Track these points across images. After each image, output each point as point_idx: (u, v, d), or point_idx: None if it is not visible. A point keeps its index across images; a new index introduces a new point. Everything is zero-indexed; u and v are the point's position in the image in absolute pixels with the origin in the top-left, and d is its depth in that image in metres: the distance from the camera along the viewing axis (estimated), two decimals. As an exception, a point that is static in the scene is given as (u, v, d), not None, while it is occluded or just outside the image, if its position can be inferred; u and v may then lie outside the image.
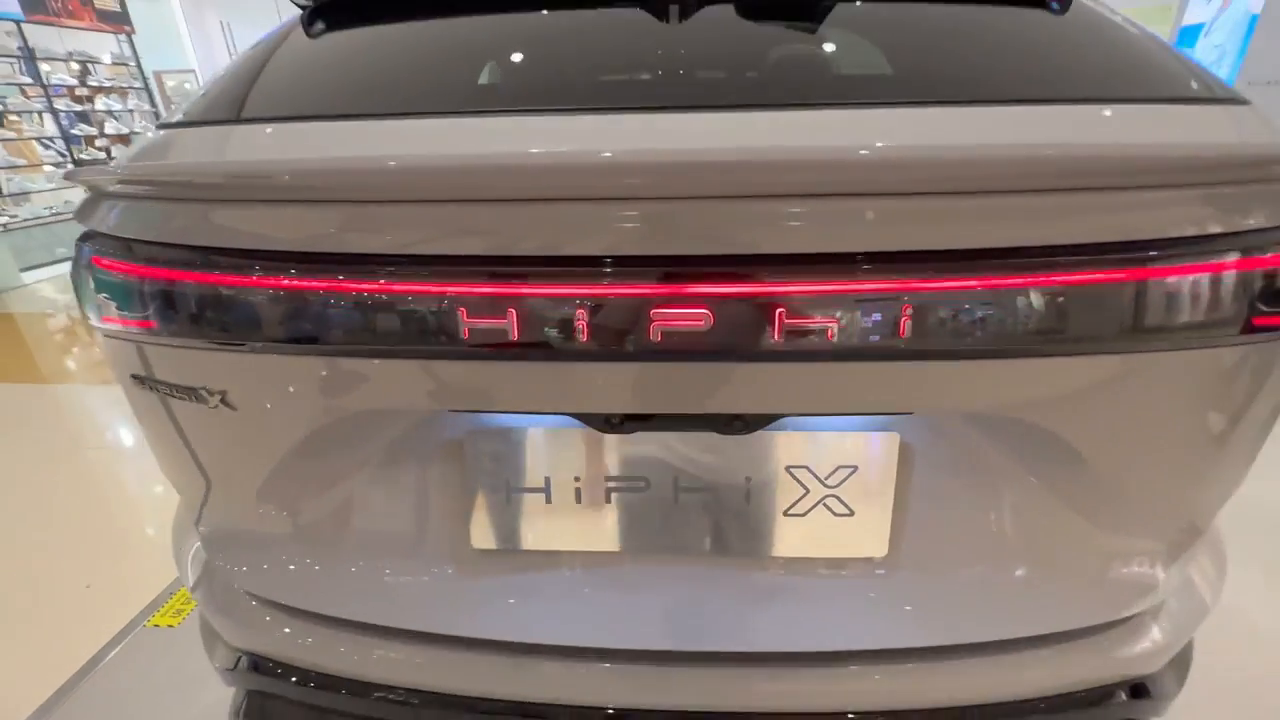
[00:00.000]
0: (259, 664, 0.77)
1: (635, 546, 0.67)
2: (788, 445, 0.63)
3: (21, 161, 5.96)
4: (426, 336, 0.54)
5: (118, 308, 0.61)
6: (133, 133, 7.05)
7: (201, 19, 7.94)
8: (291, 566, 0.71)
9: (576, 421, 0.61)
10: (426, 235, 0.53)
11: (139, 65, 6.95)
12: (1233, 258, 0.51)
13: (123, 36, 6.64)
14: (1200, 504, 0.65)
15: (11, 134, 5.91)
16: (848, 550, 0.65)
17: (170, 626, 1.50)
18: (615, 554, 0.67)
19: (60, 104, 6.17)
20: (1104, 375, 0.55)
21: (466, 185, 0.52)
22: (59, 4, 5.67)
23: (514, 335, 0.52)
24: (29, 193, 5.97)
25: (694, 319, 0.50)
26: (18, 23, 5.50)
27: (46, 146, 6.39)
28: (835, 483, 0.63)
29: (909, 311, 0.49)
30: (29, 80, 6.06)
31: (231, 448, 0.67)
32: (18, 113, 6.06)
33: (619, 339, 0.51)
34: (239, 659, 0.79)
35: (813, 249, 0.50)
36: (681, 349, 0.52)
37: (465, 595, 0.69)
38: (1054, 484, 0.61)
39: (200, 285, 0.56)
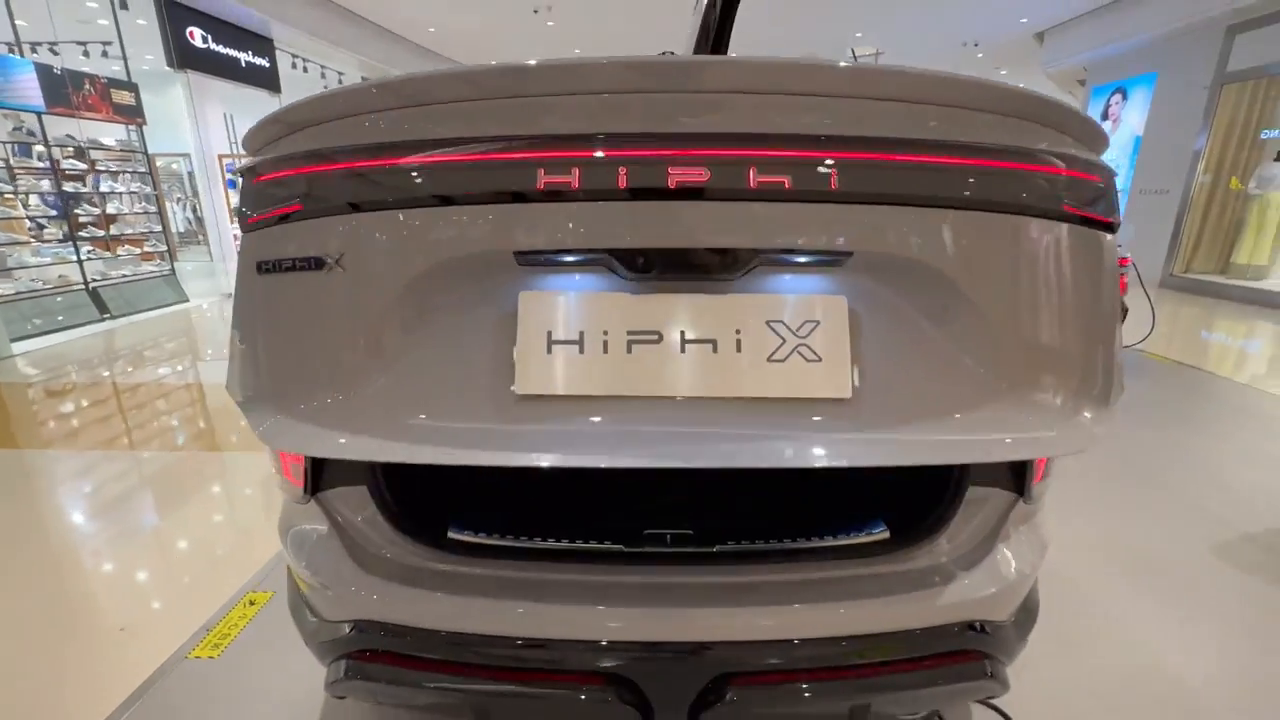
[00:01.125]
0: (363, 628, 1.02)
1: (650, 388, 0.84)
2: (766, 303, 0.85)
3: (21, 238, 6.16)
4: (513, 193, 0.78)
5: (270, 204, 0.85)
6: (133, 213, 7.36)
7: (205, 110, 8.50)
8: (365, 415, 0.86)
9: (607, 284, 0.85)
10: (525, 119, 0.80)
11: (145, 153, 7.36)
12: (1019, 161, 0.82)
13: (133, 126, 7.09)
14: (1066, 352, 0.87)
15: (4, 211, 6.15)
16: (822, 392, 0.84)
17: (211, 658, 1.67)
18: (633, 398, 0.84)
19: (68, 186, 6.46)
20: (972, 229, 0.82)
21: (553, 84, 0.80)
22: (79, 98, 6.11)
23: (576, 185, 0.77)
24: (26, 266, 6.14)
25: (697, 174, 0.78)
26: (38, 114, 5.89)
27: (42, 226, 6.64)
28: (805, 334, 0.84)
29: (836, 171, 0.78)
30: (42, 166, 6.39)
31: (337, 306, 0.85)
32: (22, 192, 6.34)
33: (648, 187, 0.77)
34: (344, 626, 1.04)
35: (772, 130, 0.79)
36: (688, 193, 0.79)
37: (508, 433, 0.85)
38: (961, 327, 0.85)
39: (337, 171, 0.82)
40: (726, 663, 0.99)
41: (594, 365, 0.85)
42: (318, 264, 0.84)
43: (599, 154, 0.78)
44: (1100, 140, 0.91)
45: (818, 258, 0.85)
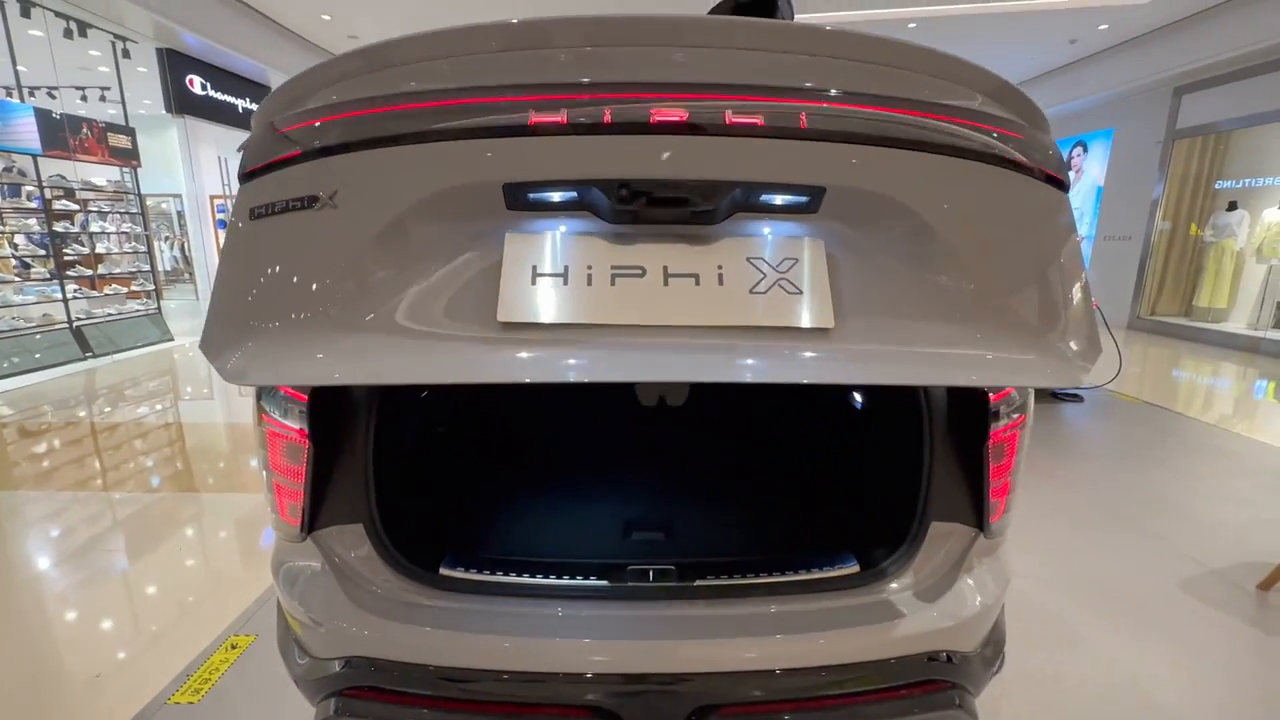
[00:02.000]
0: (354, 664, 1.05)
1: (633, 318, 0.85)
2: (746, 243, 0.87)
3: (4, 276, 6.16)
4: (505, 128, 0.80)
5: (269, 154, 0.87)
6: (121, 251, 7.38)
7: (199, 153, 8.65)
8: (354, 342, 0.86)
9: (592, 227, 0.87)
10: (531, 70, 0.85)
11: (138, 194, 7.46)
12: (957, 116, 0.87)
13: (127, 169, 7.20)
14: (1038, 289, 0.90)
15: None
16: (805, 323, 0.85)
17: (191, 703, 1.65)
18: (617, 325, 0.85)
19: (57, 225, 6.51)
20: (931, 170, 0.86)
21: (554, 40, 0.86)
22: (76, 142, 6.22)
23: (564, 120, 0.80)
24: (10, 305, 6.11)
25: (677, 113, 0.82)
26: (34, 157, 5.98)
27: (28, 265, 6.64)
28: (785, 270, 0.86)
29: (803, 113, 0.83)
30: (32, 205, 6.44)
31: (326, 240, 0.86)
32: (2, 231, 6.37)
33: (633, 124, 0.82)
34: (335, 664, 1.06)
35: (743, 81, 0.85)
36: (669, 130, 0.82)
37: (490, 351, 0.85)
38: (931, 259, 0.88)
39: (337, 120, 0.86)
40: (708, 694, 1.03)
41: (577, 296, 0.85)
42: (310, 201, 0.85)
43: (587, 97, 0.82)
44: (1041, 119, 0.96)
45: (793, 198, 0.87)
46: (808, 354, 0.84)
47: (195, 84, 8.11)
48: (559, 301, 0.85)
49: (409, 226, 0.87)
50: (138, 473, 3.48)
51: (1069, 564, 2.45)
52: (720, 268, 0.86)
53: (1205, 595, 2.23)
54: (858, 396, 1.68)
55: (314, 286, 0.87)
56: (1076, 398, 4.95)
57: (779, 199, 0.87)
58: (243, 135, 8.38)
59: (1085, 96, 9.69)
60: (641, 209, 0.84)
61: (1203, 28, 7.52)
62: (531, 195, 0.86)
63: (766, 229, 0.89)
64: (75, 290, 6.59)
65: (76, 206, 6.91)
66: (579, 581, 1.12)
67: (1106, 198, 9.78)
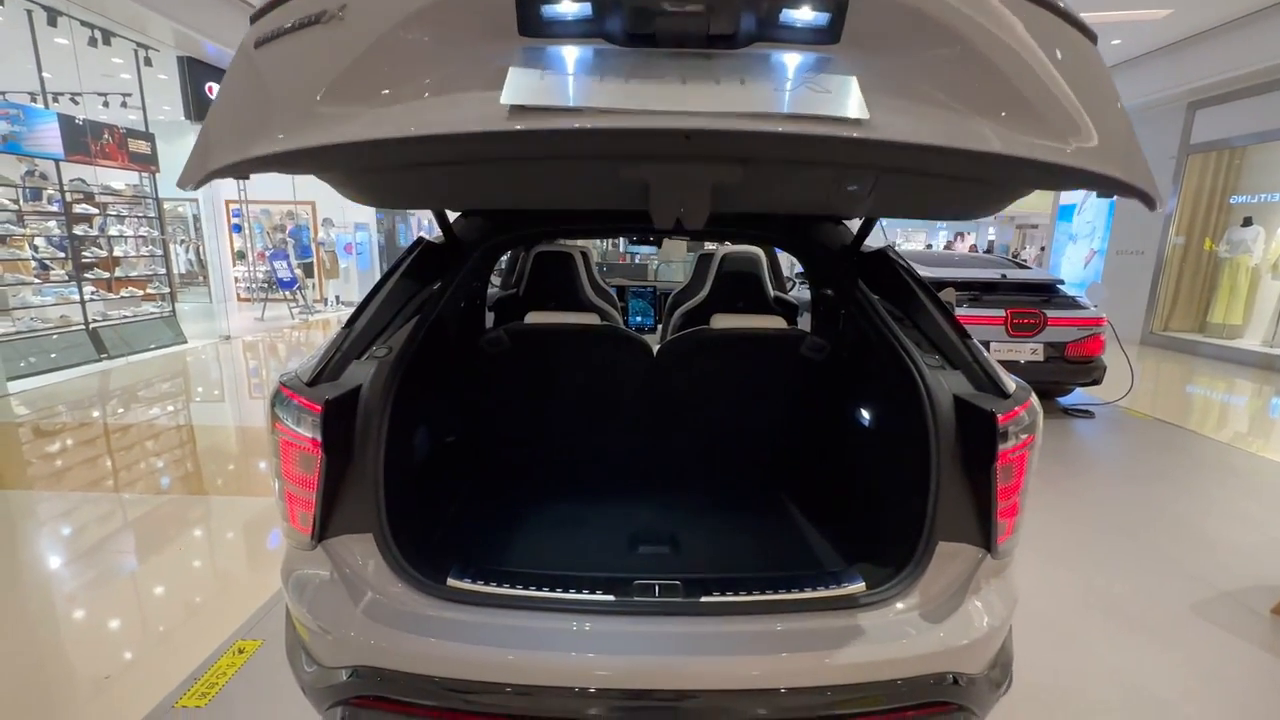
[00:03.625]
0: (362, 674, 1.06)
1: (649, 104, 0.75)
2: (768, 64, 0.80)
3: (19, 277, 6.27)
4: None
5: None
6: (138, 255, 7.50)
7: (217, 159, 8.82)
8: (339, 111, 0.81)
9: (605, 49, 0.79)
10: None
11: (156, 199, 7.58)
12: None
13: (145, 174, 7.33)
14: (1059, 89, 0.83)
15: (13, 252, 6.28)
16: (840, 112, 0.75)
17: (198, 707, 1.66)
18: (633, 110, 0.75)
19: (76, 229, 6.63)
20: None
21: None
22: (97, 147, 6.34)
23: None
24: (29, 306, 6.22)
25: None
26: (56, 161, 6.10)
27: (47, 267, 6.75)
28: (813, 77, 0.79)
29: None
30: (52, 209, 6.57)
31: (333, 47, 0.82)
32: (23, 234, 6.49)
33: None
34: (343, 673, 1.07)
35: None
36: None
37: (497, 123, 0.76)
38: (961, 69, 0.80)
39: None
40: (712, 711, 1.03)
41: (590, 83, 0.79)
42: (318, 18, 0.82)
43: None
44: None
45: (815, 16, 0.79)
46: (843, 129, 0.75)
47: (214, 91, 8.26)
48: (570, 88, 0.78)
49: (414, 36, 0.81)
50: (149, 474, 3.53)
51: (1079, 584, 2.42)
52: (743, 81, 0.78)
53: (1218, 619, 2.20)
54: (865, 414, 1.68)
55: (309, 90, 0.83)
56: (1088, 413, 4.91)
57: (799, 19, 0.80)
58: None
59: (1098, 110, 9.63)
60: (658, 28, 0.78)
61: (1217, 43, 7.49)
62: (545, 11, 0.79)
63: (790, 55, 0.81)
64: (92, 292, 6.69)
65: (96, 210, 7.04)
66: (585, 596, 1.13)
67: (1119, 212, 9.72)
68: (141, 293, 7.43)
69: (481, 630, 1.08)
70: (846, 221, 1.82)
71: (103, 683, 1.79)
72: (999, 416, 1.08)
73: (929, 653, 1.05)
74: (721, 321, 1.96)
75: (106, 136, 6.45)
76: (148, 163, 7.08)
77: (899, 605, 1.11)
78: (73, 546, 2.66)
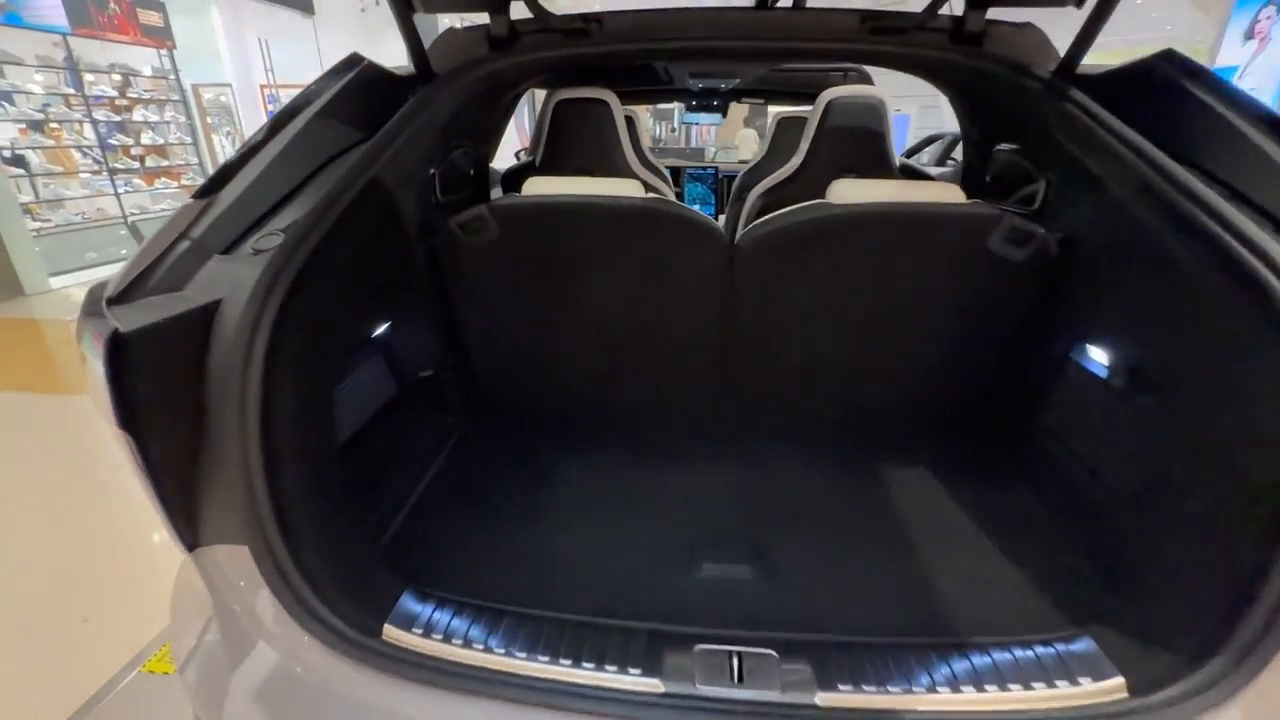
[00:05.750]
0: None
1: None
2: None
3: (59, 169, 6.09)
4: None
5: None
6: (168, 143, 7.20)
7: (241, 36, 8.14)
8: None
9: None
10: None
11: (178, 79, 7.11)
12: None
13: (164, 51, 6.81)
14: None
15: (51, 141, 6.07)
16: None
17: (166, 673, 1.42)
18: None
19: (99, 114, 6.31)
20: None
21: None
22: (104, 19, 5.82)
23: None
24: (63, 199, 6.09)
25: None
26: (64, 35, 5.65)
27: (85, 154, 6.53)
28: None
29: None
30: (71, 90, 6.23)
31: None
32: (59, 121, 6.22)
33: None
34: None
35: None
36: None
37: None
38: None
39: None
40: None
41: None
42: None
43: None
44: None
45: None
46: None
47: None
48: None
49: None
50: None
51: None
52: None
53: None
54: (1125, 361, 0.98)
55: None
56: None
57: None
58: (283, 17, 7.78)
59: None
60: None
61: None
62: None
63: None
64: (127, 184, 6.49)
65: (120, 95, 6.65)
66: (608, 677, 0.68)
67: (1299, 74, 7.78)
68: (176, 184, 7.20)
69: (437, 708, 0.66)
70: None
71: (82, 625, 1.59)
72: None
73: None
74: (847, 193, 1.15)
75: (113, 6, 5.89)
76: (161, 37, 6.54)
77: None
78: (115, 451, 2.49)
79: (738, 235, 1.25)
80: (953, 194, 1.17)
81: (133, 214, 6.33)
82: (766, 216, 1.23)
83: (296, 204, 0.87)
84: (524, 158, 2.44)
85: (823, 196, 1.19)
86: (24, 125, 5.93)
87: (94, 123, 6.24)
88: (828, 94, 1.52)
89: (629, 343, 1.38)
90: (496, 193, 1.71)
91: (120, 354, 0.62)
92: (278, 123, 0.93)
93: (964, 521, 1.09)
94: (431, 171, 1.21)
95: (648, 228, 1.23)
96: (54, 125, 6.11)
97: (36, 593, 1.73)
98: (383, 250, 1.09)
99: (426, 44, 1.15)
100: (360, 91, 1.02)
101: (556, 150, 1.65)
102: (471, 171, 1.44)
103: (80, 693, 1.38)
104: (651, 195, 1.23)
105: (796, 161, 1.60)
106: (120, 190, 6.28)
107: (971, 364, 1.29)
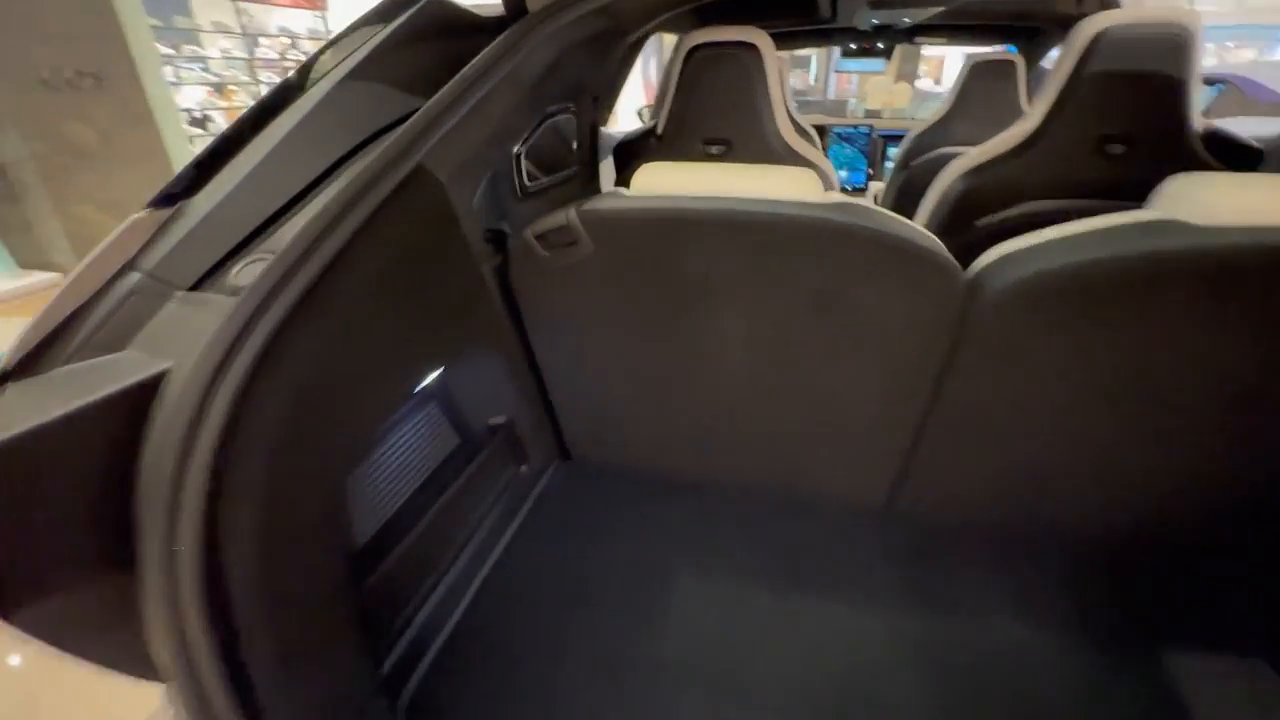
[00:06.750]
0: None
1: None
2: None
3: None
4: None
5: None
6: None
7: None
8: None
9: None
10: None
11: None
12: None
13: (318, 13, 7.16)
14: None
15: (225, 103, 6.67)
16: None
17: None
18: None
19: (264, 75, 6.81)
20: None
21: None
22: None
23: None
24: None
25: None
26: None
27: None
28: None
29: None
30: (245, 55, 6.77)
31: None
32: (235, 85, 6.80)
33: None
34: None
35: None
36: None
37: None
38: None
39: None
40: None
41: None
42: None
43: None
44: None
45: None
46: None
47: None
48: None
49: None
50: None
51: None
52: None
53: None
54: None
55: None
56: None
57: None
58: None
59: None
60: None
61: None
62: None
63: None
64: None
65: (277, 56, 7.11)
66: None
67: None
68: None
69: None
70: None
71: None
72: None
73: None
74: (1220, 202, 0.70)
75: (275, -30, 6.21)
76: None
77: None
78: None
79: (975, 268, 0.81)
80: None
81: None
82: (1035, 239, 0.77)
83: (310, 207, 0.61)
84: (647, 119, 2.07)
85: (1081, 185, 0.78)
86: (211, 88, 6.55)
87: (261, 85, 6.73)
88: (1097, 20, 1.00)
89: (771, 413, 0.99)
90: (608, 169, 1.38)
91: None
92: (288, 88, 0.67)
93: None
94: (516, 150, 0.91)
95: (825, 249, 0.82)
96: (232, 88, 6.69)
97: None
98: (429, 270, 0.80)
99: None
100: (421, 39, 0.74)
101: (687, 113, 1.28)
102: (575, 144, 1.12)
103: None
104: (837, 199, 0.83)
105: (1029, 126, 1.10)
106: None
107: None
